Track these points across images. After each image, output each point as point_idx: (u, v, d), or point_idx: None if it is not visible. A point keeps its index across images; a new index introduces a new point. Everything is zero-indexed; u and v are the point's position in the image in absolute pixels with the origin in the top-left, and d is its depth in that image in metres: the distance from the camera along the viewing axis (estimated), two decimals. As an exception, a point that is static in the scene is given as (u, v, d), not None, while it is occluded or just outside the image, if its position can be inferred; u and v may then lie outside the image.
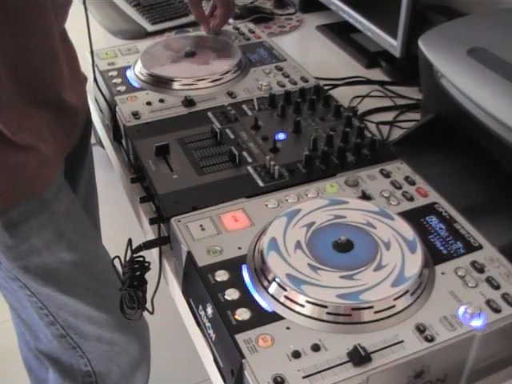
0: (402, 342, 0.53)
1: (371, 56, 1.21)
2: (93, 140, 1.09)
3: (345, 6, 1.26)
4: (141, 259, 0.71)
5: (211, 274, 0.60)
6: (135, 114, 0.86)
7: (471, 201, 0.79)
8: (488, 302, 0.56)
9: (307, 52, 1.33)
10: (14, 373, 1.34)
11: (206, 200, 0.70)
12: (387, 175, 0.73)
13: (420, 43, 0.85)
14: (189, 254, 0.63)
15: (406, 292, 0.56)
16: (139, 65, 0.95)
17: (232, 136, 0.81)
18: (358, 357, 0.51)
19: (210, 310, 0.58)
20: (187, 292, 0.66)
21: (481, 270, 0.60)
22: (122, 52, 1.02)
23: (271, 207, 0.69)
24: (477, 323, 0.54)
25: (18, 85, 0.75)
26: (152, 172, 0.75)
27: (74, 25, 0.89)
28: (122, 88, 0.92)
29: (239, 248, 0.63)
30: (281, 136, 0.81)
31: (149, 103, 0.88)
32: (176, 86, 0.91)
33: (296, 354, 0.52)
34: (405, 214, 0.66)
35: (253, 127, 0.83)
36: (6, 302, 0.99)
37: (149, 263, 0.72)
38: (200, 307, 0.61)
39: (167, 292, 0.76)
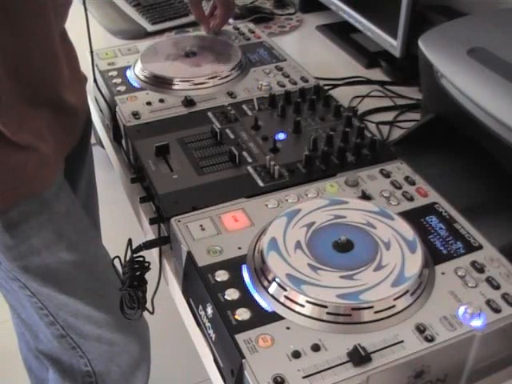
0: (401, 342, 0.53)
1: (371, 56, 1.21)
2: (93, 140, 1.09)
3: (345, 5, 1.26)
4: (141, 259, 0.71)
5: (211, 274, 0.60)
6: (135, 114, 0.86)
7: (471, 201, 0.79)
8: (488, 302, 0.56)
9: (307, 52, 1.33)
10: (14, 373, 1.34)
11: (206, 200, 0.70)
12: (387, 175, 0.73)
13: (420, 43, 0.85)
14: (189, 254, 0.63)
15: (406, 292, 0.56)
16: (139, 65, 0.95)
17: (232, 136, 0.81)
18: (358, 357, 0.51)
19: (209, 310, 0.58)
20: (187, 292, 0.66)
21: (481, 270, 0.60)
22: (122, 52, 1.02)
23: (271, 207, 0.69)
24: (477, 323, 0.54)
25: (18, 85, 0.75)
26: (152, 172, 0.75)
27: (74, 25, 0.89)
28: (122, 88, 0.92)
29: (239, 248, 0.63)
30: (281, 136, 0.81)
31: (149, 103, 0.88)
32: (176, 86, 0.91)
33: (296, 354, 0.52)
34: (405, 214, 0.66)
35: (253, 127, 0.83)
36: (6, 302, 0.99)
37: (149, 263, 0.72)
38: (200, 307, 0.61)
39: (167, 292, 0.76)
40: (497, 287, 0.58)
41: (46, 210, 0.84)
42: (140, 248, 0.71)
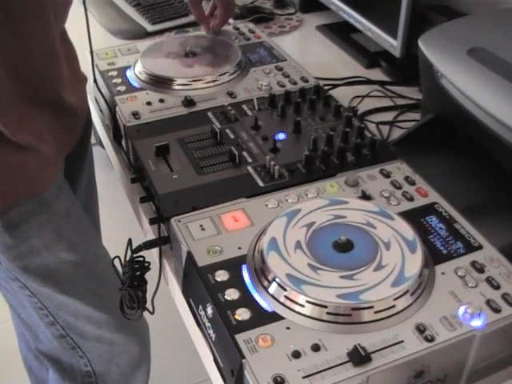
0: (401, 342, 0.53)
1: (371, 56, 1.21)
2: (93, 140, 1.09)
3: (345, 5, 1.26)
4: (141, 259, 0.71)
5: (211, 274, 0.60)
6: (135, 114, 0.86)
7: (471, 201, 0.79)
8: (488, 302, 0.56)
9: (307, 52, 1.33)
10: (14, 373, 1.34)
11: (206, 200, 0.70)
12: (387, 175, 0.73)
13: (420, 43, 0.85)
14: (189, 254, 0.63)
15: (406, 292, 0.56)
16: (139, 65, 0.95)
17: (232, 136, 0.81)
18: (358, 357, 0.51)
19: (210, 310, 0.58)
20: (187, 292, 0.66)
21: (481, 270, 0.60)
22: (122, 52, 1.02)
23: (271, 207, 0.69)
24: (477, 323, 0.54)
25: (18, 85, 0.75)
26: (152, 172, 0.75)
27: (74, 25, 0.89)
28: (122, 88, 0.92)
29: (239, 248, 0.63)
30: (281, 136, 0.81)
31: (149, 103, 0.88)
32: (176, 86, 0.91)
33: (296, 354, 0.52)
34: (405, 214, 0.66)
35: (253, 127, 0.83)
36: (6, 302, 0.99)
37: (149, 263, 0.72)
38: (200, 307, 0.61)
39: (167, 292, 0.76)
40: (497, 287, 0.58)
41: (46, 210, 0.83)
42: (140, 248, 0.71)
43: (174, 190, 0.72)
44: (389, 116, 1.03)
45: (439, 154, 0.88)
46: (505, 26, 0.87)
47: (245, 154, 0.78)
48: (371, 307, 0.55)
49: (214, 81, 0.92)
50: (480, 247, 0.63)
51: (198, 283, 0.60)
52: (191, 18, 1.32)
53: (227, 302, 0.57)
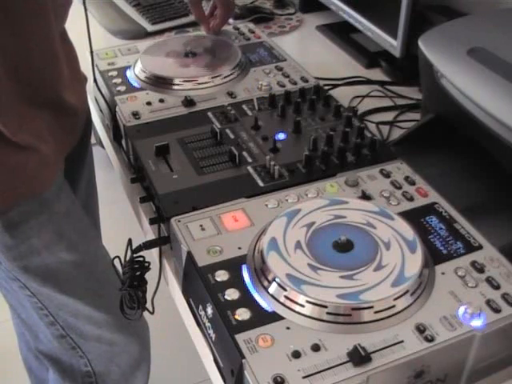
0: (401, 342, 0.53)
1: (371, 56, 1.21)
2: (93, 140, 1.09)
3: (345, 5, 1.26)
4: (141, 259, 0.71)
5: (211, 274, 0.60)
6: (135, 114, 0.86)
7: (471, 201, 0.79)
8: (488, 302, 0.56)
9: (307, 52, 1.33)
10: (14, 373, 1.34)
11: (206, 200, 0.70)
12: (387, 175, 0.73)
13: (420, 43, 0.85)
14: (189, 254, 0.63)
15: (406, 292, 0.56)
16: (139, 65, 0.95)
17: (232, 136, 0.81)
18: (358, 357, 0.51)
19: (210, 310, 0.58)
20: (187, 292, 0.66)
21: (481, 270, 0.60)
22: (122, 52, 1.02)
23: (271, 207, 0.69)
24: (477, 323, 0.54)
25: (18, 85, 0.75)
26: (152, 172, 0.75)
27: (74, 25, 0.89)
28: (122, 88, 0.92)
29: (239, 248, 0.63)
30: (281, 136, 0.81)
31: (149, 103, 0.88)
32: (176, 86, 0.91)
33: (296, 354, 0.52)
34: (405, 214, 0.66)
35: (253, 127, 0.83)
36: (6, 302, 0.99)
37: (149, 263, 0.72)
38: (200, 307, 0.61)
39: (167, 292, 0.76)
40: (497, 287, 0.58)
41: (46, 210, 0.84)
42: (140, 248, 0.71)
43: (174, 189, 0.72)
44: (389, 116, 1.03)
45: (439, 154, 0.88)
46: (505, 26, 0.87)
47: (245, 154, 0.78)
48: (371, 307, 0.55)
49: (214, 81, 0.92)
50: (480, 247, 0.63)
51: (197, 283, 0.60)
52: (191, 18, 1.32)
53: (227, 302, 0.57)
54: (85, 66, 0.96)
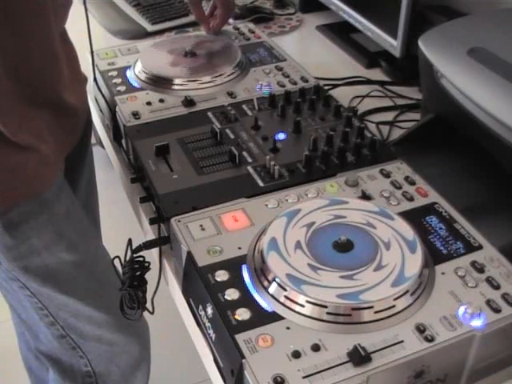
0: (402, 342, 0.53)
1: (371, 56, 1.21)
2: (93, 140, 1.09)
3: (345, 5, 1.26)
4: (141, 259, 0.71)
5: (211, 274, 0.60)
6: (135, 114, 0.86)
7: (471, 201, 0.79)
8: (488, 302, 0.56)
9: (307, 52, 1.33)
10: (14, 373, 1.34)
11: (206, 200, 0.70)
12: (387, 175, 0.73)
13: (420, 43, 0.85)
14: (189, 254, 0.63)
15: (406, 292, 0.56)
16: (139, 65, 0.95)
17: (232, 136, 0.81)
18: (358, 357, 0.51)
19: (210, 310, 0.58)
20: (187, 292, 0.66)
21: (481, 270, 0.60)
22: (122, 52, 1.02)
23: (271, 207, 0.69)
24: (477, 323, 0.54)
25: (18, 85, 0.75)
26: (152, 172, 0.75)
27: (74, 25, 0.89)
28: (122, 88, 0.92)
29: (239, 248, 0.63)
30: (281, 136, 0.81)
31: (149, 103, 0.88)
32: (176, 86, 0.91)
33: (296, 354, 0.52)
34: (405, 214, 0.66)
35: (253, 127, 0.83)
36: (6, 302, 0.99)
37: (149, 263, 0.72)
38: (200, 307, 0.61)
39: (167, 292, 0.76)
40: (497, 287, 0.58)
41: (46, 210, 0.83)
42: (140, 248, 0.71)
43: (174, 190, 0.72)
44: (389, 116, 1.03)
45: (439, 154, 0.88)
46: (505, 26, 0.87)
47: (245, 154, 0.78)
48: (371, 307, 0.55)
49: (214, 81, 0.92)
50: (480, 247, 0.63)
51: (198, 283, 0.60)
52: (191, 17, 1.32)
53: (227, 302, 0.57)
54: (85, 66, 0.96)
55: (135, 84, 0.93)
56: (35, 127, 0.79)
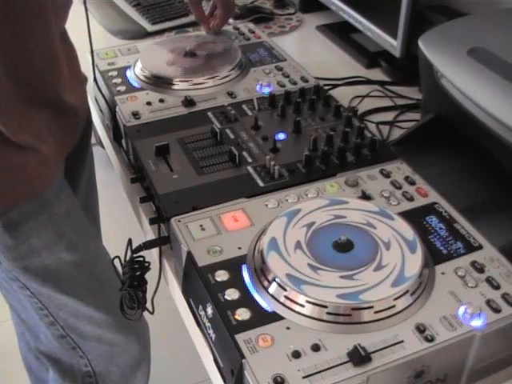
0: (402, 342, 0.53)
1: (371, 56, 1.21)
2: (93, 140, 1.09)
3: (345, 5, 1.26)
4: (141, 259, 0.71)
5: (211, 274, 0.60)
6: (135, 114, 0.86)
7: (471, 201, 0.79)
8: (488, 302, 0.56)
9: (307, 52, 1.33)
10: (14, 373, 1.34)
11: (206, 200, 0.70)
12: (387, 175, 0.73)
13: (420, 43, 0.85)
14: (189, 254, 0.63)
15: (406, 292, 0.56)
16: (139, 65, 0.95)
17: (232, 136, 0.81)
18: (358, 357, 0.51)
19: (210, 310, 0.58)
20: (187, 292, 0.66)
21: (481, 270, 0.60)
22: (122, 52, 1.02)
23: (271, 207, 0.69)
24: (477, 323, 0.54)
25: (18, 85, 0.75)
26: (152, 172, 0.75)
27: (74, 25, 0.89)
28: (122, 88, 0.92)
29: (239, 248, 0.63)
30: (281, 136, 0.81)
31: (149, 103, 0.88)
32: (176, 86, 0.92)
33: (296, 354, 0.52)
34: (405, 214, 0.66)
35: (253, 127, 0.83)
36: (6, 302, 0.99)
37: (149, 263, 0.72)
38: (200, 307, 0.61)
39: (167, 292, 0.76)
40: (497, 287, 0.58)
41: (46, 210, 0.83)
42: (140, 248, 0.71)
43: (174, 190, 0.72)
44: (389, 116, 1.03)
45: (439, 153, 0.88)
46: (505, 26, 0.87)
47: (245, 154, 0.78)
48: (371, 307, 0.55)
49: (213, 81, 0.92)
50: (480, 247, 0.63)
51: (198, 283, 0.60)
52: (191, 17, 1.32)
53: (227, 302, 0.57)
54: (85, 66, 0.96)
55: (135, 84, 0.93)
56: (35, 127, 0.79)
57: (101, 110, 0.99)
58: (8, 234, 0.81)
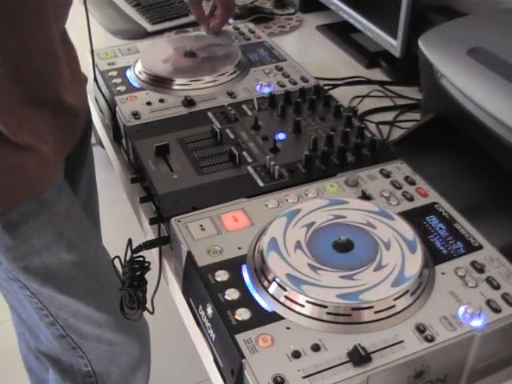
0: (402, 342, 0.53)
1: (371, 56, 1.21)
2: (93, 140, 1.09)
3: (345, 5, 1.26)
4: (141, 259, 0.71)
5: (211, 274, 0.60)
6: (135, 114, 0.86)
7: (471, 201, 0.79)
8: (488, 302, 0.56)
9: (307, 52, 1.33)
10: (14, 373, 1.34)
11: (206, 200, 0.70)
12: (387, 175, 0.73)
13: (420, 43, 0.85)
14: (189, 254, 0.63)
15: (406, 292, 0.56)
16: (139, 65, 0.95)
17: (232, 136, 0.81)
18: (358, 357, 0.51)
19: (210, 310, 0.58)
20: (187, 292, 0.66)
21: (481, 270, 0.60)
22: (122, 52, 1.02)
23: (271, 207, 0.69)
24: (477, 323, 0.54)
25: (18, 85, 0.75)
26: (152, 172, 0.75)
27: (74, 25, 0.89)
28: (122, 88, 0.92)
29: (239, 248, 0.63)
30: (281, 136, 0.81)
31: (149, 103, 0.88)
32: (176, 86, 0.91)
33: (296, 354, 0.52)
34: (405, 214, 0.66)
35: (253, 127, 0.83)
36: (6, 302, 0.99)
37: (149, 263, 0.72)
38: (200, 307, 0.61)
39: (167, 292, 0.76)
40: (497, 287, 0.58)
41: (46, 210, 0.83)
42: (140, 248, 0.71)
43: (174, 190, 0.72)
44: (389, 116, 1.03)
45: (439, 154, 0.88)
46: (505, 26, 0.87)
47: (245, 154, 0.78)
48: (371, 307, 0.55)
49: (213, 81, 0.92)
50: (480, 247, 0.63)
51: (198, 283, 0.60)
52: (191, 17, 1.32)
53: (227, 302, 0.57)
54: (85, 66, 0.96)
55: (135, 84, 0.93)
56: (35, 127, 0.79)
57: (101, 110, 0.99)
58: (8, 234, 0.81)
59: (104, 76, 0.95)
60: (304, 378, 0.51)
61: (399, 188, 0.71)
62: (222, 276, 0.60)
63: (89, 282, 0.92)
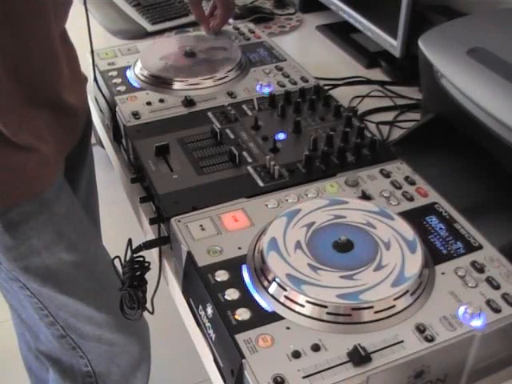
0: (402, 341, 0.53)
1: (371, 56, 1.21)
2: (93, 140, 1.09)
3: (345, 5, 1.26)
4: (141, 259, 0.71)
5: (211, 274, 0.60)
6: (135, 114, 0.86)
7: (471, 201, 0.79)
8: (488, 302, 0.56)
9: (307, 52, 1.33)
10: (14, 373, 1.34)
11: (206, 200, 0.70)
12: (387, 175, 0.73)
13: (420, 43, 0.85)
14: (189, 254, 0.63)
15: (406, 292, 0.56)
16: (139, 65, 0.95)
17: (232, 136, 0.81)
18: (358, 357, 0.51)
19: (210, 310, 0.58)
20: (187, 292, 0.66)
21: (481, 270, 0.60)
22: (122, 52, 1.02)
23: (271, 207, 0.69)
24: (477, 323, 0.54)
25: (18, 85, 0.75)
26: (152, 172, 0.75)
27: (74, 25, 0.89)
28: (122, 88, 0.92)
29: (239, 248, 0.63)
30: (281, 136, 0.81)
31: (149, 103, 0.88)
32: (176, 86, 0.92)
33: (296, 354, 0.52)
34: (405, 214, 0.66)
35: (253, 127, 0.83)
36: (6, 302, 0.99)
37: (149, 263, 0.72)
38: (200, 307, 0.61)
39: (167, 292, 0.76)
40: (497, 287, 0.58)
41: (46, 210, 0.83)
42: (140, 248, 0.71)
43: (174, 190, 0.72)
44: (389, 116, 1.03)
45: (439, 153, 0.88)
46: (505, 26, 0.87)
47: (245, 154, 0.78)
48: (371, 307, 0.55)
49: (213, 81, 0.92)
50: (480, 247, 0.63)
51: (198, 283, 0.60)
52: (191, 18, 1.32)
53: (227, 302, 0.57)
54: (85, 66, 0.96)
55: (135, 84, 0.93)
56: (35, 127, 0.79)
57: (101, 110, 0.99)
58: (8, 234, 0.81)
59: (104, 76, 0.95)
60: (304, 377, 0.51)
61: (399, 188, 0.71)
62: (221, 276, 0.60)
63: (89, 282, 0.92)
